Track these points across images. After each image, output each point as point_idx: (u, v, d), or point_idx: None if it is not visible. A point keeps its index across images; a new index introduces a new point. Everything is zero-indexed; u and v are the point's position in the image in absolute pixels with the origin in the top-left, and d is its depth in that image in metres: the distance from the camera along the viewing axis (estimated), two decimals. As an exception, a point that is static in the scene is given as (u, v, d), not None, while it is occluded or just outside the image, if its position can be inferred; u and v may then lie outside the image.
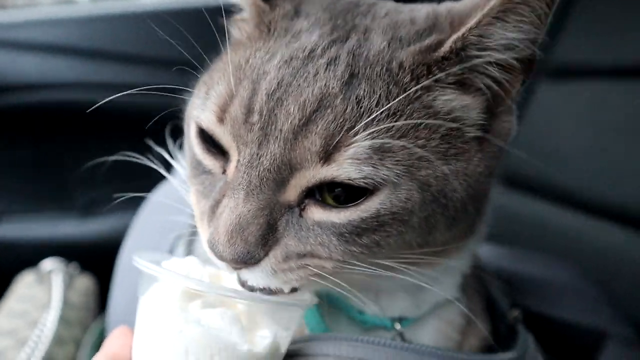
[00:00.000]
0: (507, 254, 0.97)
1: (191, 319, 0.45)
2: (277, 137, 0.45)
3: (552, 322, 0.84)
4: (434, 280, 0.56)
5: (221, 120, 0.48)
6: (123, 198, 0.66)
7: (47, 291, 0.94)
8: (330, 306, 0.59)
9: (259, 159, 0.46)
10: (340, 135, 0.44)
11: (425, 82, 0.47)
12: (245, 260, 0.46)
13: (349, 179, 0.45)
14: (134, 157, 0.58)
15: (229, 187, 0.48)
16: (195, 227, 0.58)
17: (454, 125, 0.49)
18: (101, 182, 1.26)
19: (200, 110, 0.51)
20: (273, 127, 0.46)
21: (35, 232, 1.46)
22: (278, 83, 0.47)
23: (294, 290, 0.51)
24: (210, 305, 0.48)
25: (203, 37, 0.61)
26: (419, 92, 0.47)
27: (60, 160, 1.54)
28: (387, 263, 0.49)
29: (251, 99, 0.47)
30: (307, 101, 0.45)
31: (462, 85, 0.49)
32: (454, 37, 0.47)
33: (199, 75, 0.58)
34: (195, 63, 0.57)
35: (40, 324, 0.83)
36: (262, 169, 0.46)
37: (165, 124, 0.64)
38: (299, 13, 0.54)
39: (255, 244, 0.45)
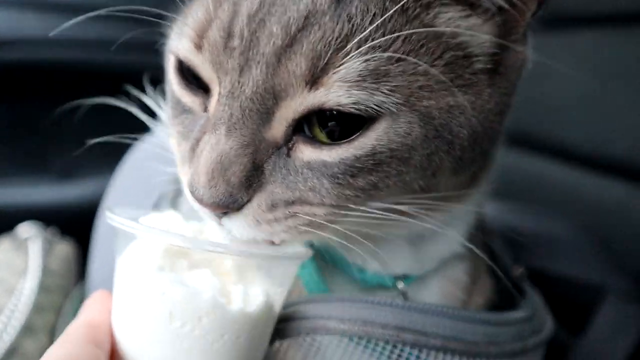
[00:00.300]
0: (505, 209, 0.95)
1: (175, 279, 0.41)
2: (259, 61, 0.41)
3: (551, 278, 0.83)
4: (437, 232, 0.52)
5: (199, 47, 0.44)
6: (102, 161, 0.61)
7: (24, 257, 0.89)
8: (327, 265, 0.55)
9: (241, 87, 0.41)
10: (329, 55, 0.40)
11: (425, 0, 0.42)
12: (226, 203, 0.42)
13: (338, 105, 0.40)
14: (114, 103, 0.54)
15: (210, 123, 0.43)
16: (178, 184, 0.54)
17: (460, 52, 0.44)
18: (79, 144, 1.21)
19: (177, 39, 0.46)
20: (255, 50, 0.41)
21: (12, 197, 1.40)
22: (260, 2, 0.42)
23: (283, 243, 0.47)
24: (195, 264, 0.43)
25: None
26: (418, 9, 0.42)
27: (36, 121, 1.47)
28: (387, 205, 0.45)
29: (231, 21, 0.42)
30: (292, 19, 0.40)
31: (469, 5, 0.44)
32: None
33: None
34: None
35: (17, 292, 0.79)
36: (243, 98, 0.41)
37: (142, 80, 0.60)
38: None
39: (238, 186, 0.41)
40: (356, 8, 0.41)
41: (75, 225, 1.09)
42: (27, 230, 0.97)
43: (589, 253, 0.91)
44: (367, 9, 0.41)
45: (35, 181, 1.46)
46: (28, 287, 0.80)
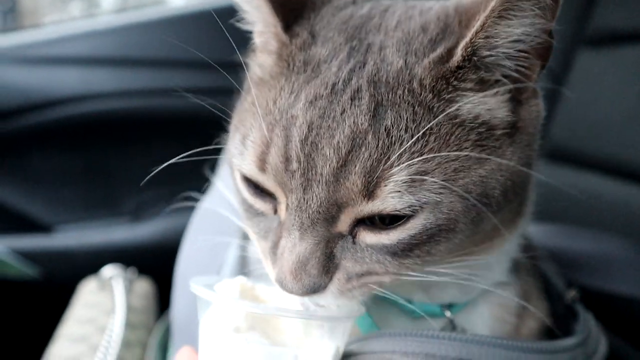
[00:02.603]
0: (557, 231, 0.96)
1: (250, 339, 0.48)
2: (319, 181, 0.47)
3: (610, 298, 0.83)
4: (483, 267, 0.57)
5: (262, 169, 0.50)
6: (169, 201, 0.67)
7: (110, 297, 0.98)
8: (375, 298, 0.60)
9: (306, 202, 0.47)
10: (378, 171, 0.45)
11: (447, 96, 0.48)
12: (313, 290, 0.49)
13: (395, 210, 0.46)
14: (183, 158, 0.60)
15: (284, 228, 0.50)
16: (245, 251, 0.61)
17: (483, 129, 0.49)
18: (148, 186, 1.30)
19: (240, 159, 0.52)
20: (313, 171, 0.47)
21: (90, 239, 1.51)
22: (309, 127, 0.47)
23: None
24: (264, 325, 0.50)
25: (234, 34, 0.61)
26: (442, 107, 0.48)
27: (108, 167, 1.59)
28: (441, 269, 0.52)
29: (287, 147, 0.48)
30: (341, 142, 0.46)
31: (481, 84, 0.49)
32: (463, 43, 0.47)
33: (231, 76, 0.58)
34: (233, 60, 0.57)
35: (108, 329, 0.87)
36: (311, 211, 0.48)
37: (206, 125, 0.65)
38: (315, 39, 0.53)
39: (318, 275, 0.48)
40: (391, 119, 0.46)
41: (149, 261, 1.18)
42: (110, 271, 1.07)
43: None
44: (400, 117, 0.47)
45: (109, 223, 1.58)
46: (117, 324, 0.89)
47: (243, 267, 0.71)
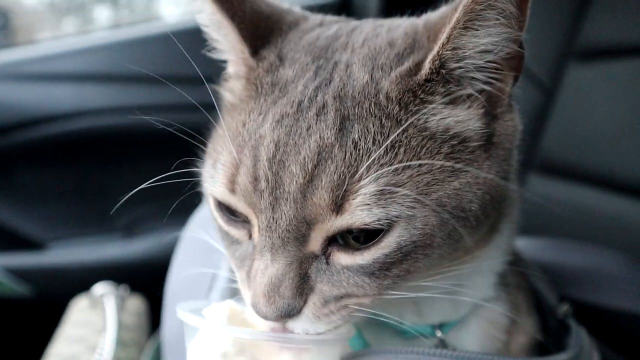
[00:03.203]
0: (548, 245, 0.96)
1: None
2: (286, 198, 0.46)
3: (604, 312, 0.83)
4: (465, 284, 0.57)
5: (232, 190, 0.50)
6: (162, 218, 0.66)
7: (101, 315, 0.98)
8: (369, 321, 0.60)
9: (276, 222, 0.47)
10: (346, 184, 0.45)
11: (414, 108, 0.48)
12: (287, 313, 0.48)
13: (364, 225, 0.46)
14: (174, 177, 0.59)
15: (256, 250, 0.50)
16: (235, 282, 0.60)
17: (455, 141, 0.49)
18: (140, 202, 1.30)
19: (211, 183, 0.52)
20: (281, 190, 0.47)
21: (82, 257, 1.50)
22: (276, 146, 0.47)
23: None
24: (253, 349, 0.50)
25: None
26: (411, 119, 0.48)
27: (100, 183, 1.58)
28: (422, 283, 0.51)
29: (255, 167, 0.48)
30: (307, 157, 0.46)
31: (452, 98, 0.50)
32: (430, 56, 0.47)
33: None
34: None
35: (99, 348, 0.87)
36: (280, 230, 0.47)
37: (201, 141, 0.65)
38: (283, 60, 0.54)
39: (292, 297, 0.47)
40: (358, 132, 0.46)
41: (141, 279, 1.17)
42: (101, 288, 1.06)
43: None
44: (367, 130, 0.46)
45: (101, 240, 1.57)
46: (108, 343, 0.88)
47: (233, 290, 0.70)
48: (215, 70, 0.60)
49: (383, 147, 0.46)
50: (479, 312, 0.62)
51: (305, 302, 0.48)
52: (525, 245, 0.86)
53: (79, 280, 1.18)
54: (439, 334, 0.60)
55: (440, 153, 0.48)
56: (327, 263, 0.49)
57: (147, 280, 1.09)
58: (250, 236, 0.52)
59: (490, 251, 0.58)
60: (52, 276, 1.44)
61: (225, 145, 0.51)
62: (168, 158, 0.60)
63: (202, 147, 0.61)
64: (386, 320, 0.53)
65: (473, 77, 0.49)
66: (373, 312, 0.51)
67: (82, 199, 1.59)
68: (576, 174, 1.22)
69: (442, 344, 0.60)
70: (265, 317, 0.48)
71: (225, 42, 0.57)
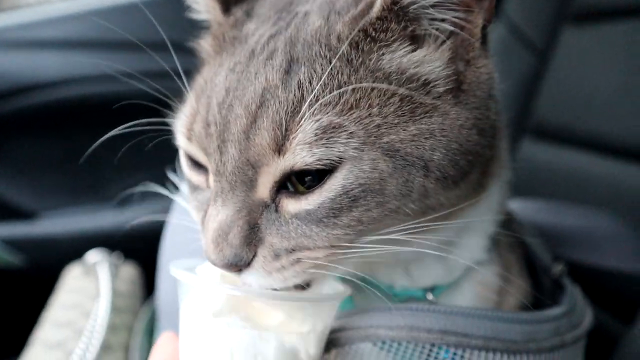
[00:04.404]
0: (543, 207, 0.96)
1: (231, 323, 0.46)
2: (232, 140, 0.47)
3: (596, 272, 0.84)
4: (456, 243, 0.56)
5: (189, 138, 0.51)
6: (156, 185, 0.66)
7: (95, 282, 0.98)
8: (356, 284, 0.59)
9: (224, 165, 0.47)
10: (286, 123, 0.45)
11: (366, 47, 0.47)
12: (235, 262, 0.47)
13: (305, 165, 0.45)
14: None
15: (210, 197, 0.50)
16: None
17: (414, 84, 0.47)
18: (134, 170, 1.29)
19: (178, 133, 0.53)
20: (227, 132, 0.47)
21: (75, 225, 1.49)
22: (226, 91, 0.48)
23: (306, 285, 0.51)
24: (247, 308, 0.49)
25: None
26: (361, 58, 0.46)
27: (92, 152, 1.56)
28: (400, 237, 0.49)
29: (207, 113, 0.49)
30: (251, 99, 0.46)
31: (409, 37, 0.48)
32: None
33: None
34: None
35: (93, 314, 0.87)
36: (227, 173, 0.47)
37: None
38: (250, 16, 0.54)
39: (240, 246, 0.47)
40: (304, 74, 0.46)
41: (135, 247, 1.17)
42: (94, 256, 1.06)
43: (633, 245, 0.91)
44: (314, 71, 0.46)
45: (94, 209, 1.56)
46: (102, 309, 0.88)
47: None
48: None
49: (329, 87, 0.45)
50: (472, 274, 0.62)
51: (255, 254, 0.47)
52: (519, 206, 0.86)
53: (72, 250, 1.18)
54: (430, 296, 0.60)
55: (395, 95, 0.47)
56: (277, 211, 0.48)
57: (141, 248, 1.09)
58: (208, 185, 0.53)
59: (477, 210, 0.57)
60: (44, 246, 1.43)
61: (189, 99, 0.52)
62: (160, 124, 0.60)
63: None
64: (375, 282, 0.52)
65: (432, 16, 0.47)
66: (344, 269, 0.49)
67: (73, 168, 1.56)
68: (570, 138, 1.21)
69: None
70: (214, 264, 0.48)
71: (202, 1, 0.58)
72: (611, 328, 0.88)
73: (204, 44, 0.59)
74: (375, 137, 0.45)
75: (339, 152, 0.44)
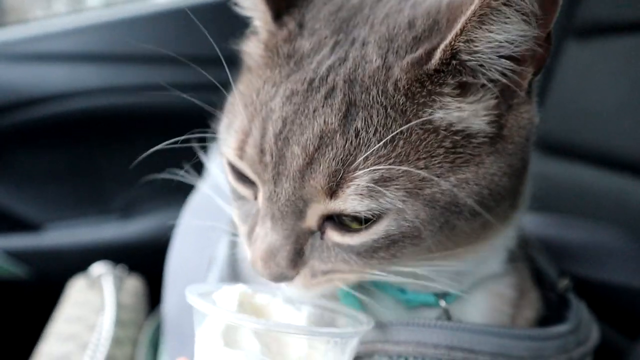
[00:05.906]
0: (549, 221, 0.96)
1: (250, 354, 0.46)
2: (287, 176, 0.47)
3: (602, 287, 0.84)
4: (476, 261, 0.57)
5: (241, 157, 0.51)
6: (160, 198, 0.66)
7: (99, 295, 0.97)
8: (369, 289, 0.60)
9: (277, 195, 0.48)
10: (342, 172, 0.46)
11: (421, 100, 0.47)
12: (280, 279, 0.51)
13: (355, 212, 0.46)
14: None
15: (259, 215, 0.51)
16: (234, 230, 0.61)
17: (458, 137, 0.48)
18: (137, 183, 1.29)
19: (225, 144, 0.53)
20: (283, 167, 0.48)
21: (80, 237, 1.50)
22: (283, 122, 0.48)
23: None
24: (263, 339, 0.49)
25: (224, 29, 0.61)
26: (415, 110, 0.47)
27: (96, 164, 1.58)
28: (409, 269, 0.51)
29: (262, 140, 0.49)
30: (309, 140, 0.46)
31: (462, 89, 0.48)
32: (442, 46, 0.45)
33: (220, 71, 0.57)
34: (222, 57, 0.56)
35: (98, 327, 0.86)
36: (280, 204, 0.48)
37: (194, 120, 0.65)
38: (302, 30, 0.53)
39: (286, 267, 0.50)
40: (362, 121, 0.46)
41: (139, 259, 1.17)
42: (99, 268, 1.05)
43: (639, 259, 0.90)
44: (371, 119, 0.46)
45: (99, 221, 1.56)
46: (107, 322, 0.88)
47: (232, 266, 0.70)
48: (211, 49, 0.58)
49: (384, 140, 0.46)
50: (486, 284, 0.62)
51: (297, 273, 0.50)
52: (525, 220, 0.86)
53: (77, 262, 1.18)
54: (442, 303, 0.60)
55: (441, 147, 0.47)
56: (322, 239, 0.50)
57: (145, 261, 1.09)
58: (255, 197, 0.53)
59: (501, 234, 0.58)
60: (49, 257, 1.43)
61: (239, 111, 0.52)
62: (164, 138, 0.60)
63: (200, 127, 0.61)
64: (387, 287, 0.53)
65: (486, 70, 0.47)
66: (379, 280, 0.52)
67: (79, 180, 1.58)
68: (575, 152, 1.21)
69: (446, 314, 0.59)
70: (262, 276, 0.51)
71: (251, 4, 0.56)
72: (617, 343, 0.87)
73: (253, 50, 0.57)
74: (419, 189, 0.46)
75: (388, 204, 0.46)
